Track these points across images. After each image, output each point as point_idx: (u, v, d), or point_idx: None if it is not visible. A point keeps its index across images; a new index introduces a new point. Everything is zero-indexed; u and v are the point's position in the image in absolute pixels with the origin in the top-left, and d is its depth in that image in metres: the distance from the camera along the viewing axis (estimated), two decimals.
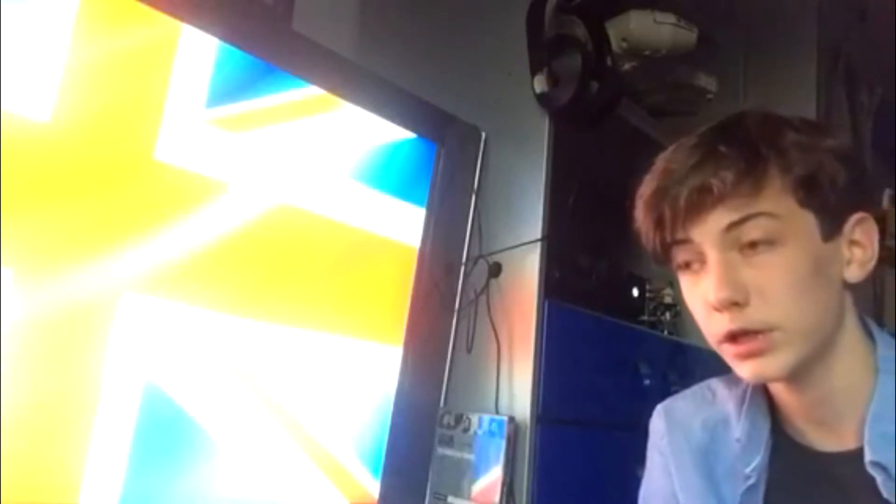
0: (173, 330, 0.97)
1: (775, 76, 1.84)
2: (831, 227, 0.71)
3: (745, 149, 0.71)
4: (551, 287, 1.29)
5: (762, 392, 0.80)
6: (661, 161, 0.76)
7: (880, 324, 0.78)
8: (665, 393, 1.48)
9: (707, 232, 0.71)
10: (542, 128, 1.31)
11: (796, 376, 0.73)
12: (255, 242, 1.07)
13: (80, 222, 0.89)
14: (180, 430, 0.98)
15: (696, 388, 0.89)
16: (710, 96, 1.66)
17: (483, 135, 1.37)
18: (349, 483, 1.18)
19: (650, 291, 1.69)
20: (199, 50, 1.00)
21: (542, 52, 1.28)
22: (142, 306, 0.94)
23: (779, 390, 0.78)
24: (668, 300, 1.71)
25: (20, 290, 0.83)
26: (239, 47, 1.04)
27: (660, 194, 0.73)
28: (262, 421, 1.07)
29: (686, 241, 0.72)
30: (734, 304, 0.69)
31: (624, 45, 1.43)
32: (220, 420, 1.02)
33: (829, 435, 0.75)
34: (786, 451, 0.78)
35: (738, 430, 0.80)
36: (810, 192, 0.70)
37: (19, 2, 0.82)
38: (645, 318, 1.66)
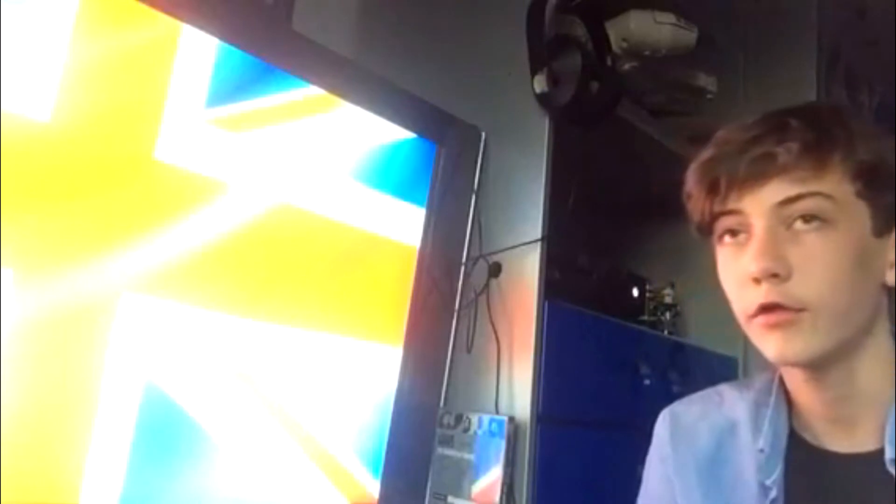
0: (173, 330, 0.97)
1: (775, 76, 1.83)
2: (883, 223, 0.71)
3: (816, 125, 0.70)
4: (551, 287, 1.29)
5: (783, 398, 0.79)
6: (720, 133, 0.75)
7: None
8: (665, 393, 1.49)
9: (760, 202, 0.70)
10: (542, 128, 1.31)
11: (818, 368, 0.72)
12: (255, 242, 1.07)
13: (81, 222, 0.89)
14: (180, 431, 0.98)
15: (704, 393, 0.88)
16: (710, 96, 1.66)
17: (483, 135, 1.37)
18: (349, 483, 1.18)
19: (650, 291, 1.69)
20: (199, 50, 1.00)
21: (542, 52, 1.28)
22: (142, 306, 0.94)
23: (800, 389, 0.77)
24: (668, 300, 1.71)
25: (20, 290, 0.83)
26: (239, 47, 1.04)
27: (717, 161, 0.72)
28: (263, 421, 1.07)
29: (736, 212, 0.71)
30: (773, 276, 0.68)
31: (624, 45, 1.43)
32: (220, 420, 1.02)
33: (846, 436, 0.75)
34: (801, 454, 0.77)
35: (760, 439, 0.79)
36: (870, 182, 0.69)
37: (19, 2, 0.82)
38: (645, 318, 1.66)
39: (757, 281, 0.69)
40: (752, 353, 1.73)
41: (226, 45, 1.02)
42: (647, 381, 1.48)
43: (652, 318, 1.67)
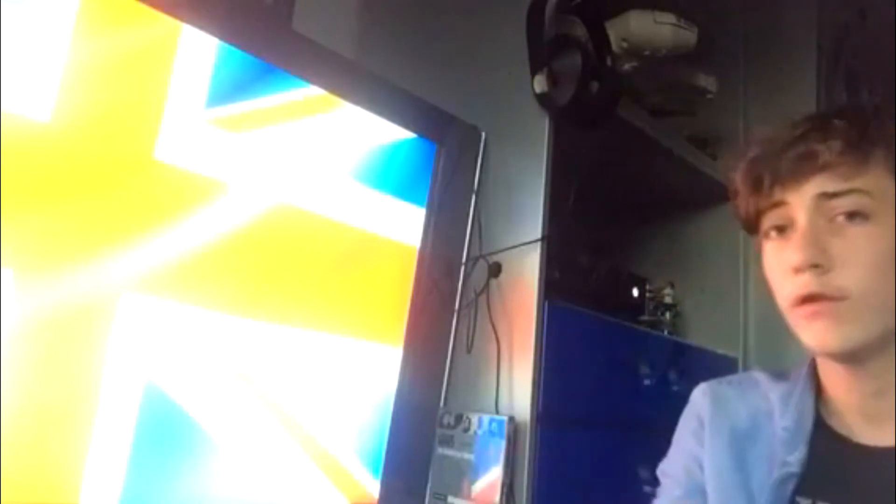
0: (173, 330, 0.97)
1: (775, 76, 1.83)
2: None
3: (858, 124, 0.72)
4: (551, 287, 1.29)
5: (812, 385, 0.81)
6: (761, 132, 0.77)
7: None
8: (665, 393, 1.49)
9: (802, 196, 0.72)
10: (542, 128, 1.31)
11: (857, 360, 0.73)
12: (256, 242, 1.07)
13: (81, 222, 0.89)
14: (180, 431, 0.98)
15: (740, 377, 0.90)
16: (710, 96, 1.66)
17: (483, 135, 1.37)
18: (349, 483, 1.18)
19: (650, 291, 1.69)
20: (199, 50, 1.00)
21: (542, 52, 1.28)
22: (142, 306, 0.94)
23: (834, 381, 0.78)
24: (668, 300, 1.72)
25: (20, 290, 0.83)
26: (239, 47, 1.04)
27: (761, 159, 0.75)
28: (262, 421, 1.07)
29: (780, 205, 0.74)
30: (815, 266, 0.70)
31: (624, 45, 1.43)
32: (220, 420, 1.02)
33: (877, 430, 0.75)
34: (826, 442, 0.78)
35: (785, 418, 0.80)
36: None
37: (19, 2, 0.82)
38: (645, 318, 1.66)
39: (798, 271, 0.71)
40: (752, 353, 1.74)
41: (226, 45, 1.02)
42: (646, 382, 1.48)
43: (652, 318, 1.67)
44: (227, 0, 1.06)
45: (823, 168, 0.71)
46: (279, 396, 1.09)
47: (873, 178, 0.71)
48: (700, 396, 0.89)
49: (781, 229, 0.75)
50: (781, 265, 0.74)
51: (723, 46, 1.77)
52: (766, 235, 0.77)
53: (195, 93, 0.99)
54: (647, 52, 1.45)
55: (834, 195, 0.71)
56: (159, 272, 0.96)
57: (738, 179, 0.78)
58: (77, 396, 0.89)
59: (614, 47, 1.34)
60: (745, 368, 1.73)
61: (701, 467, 0.85)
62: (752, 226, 0.78)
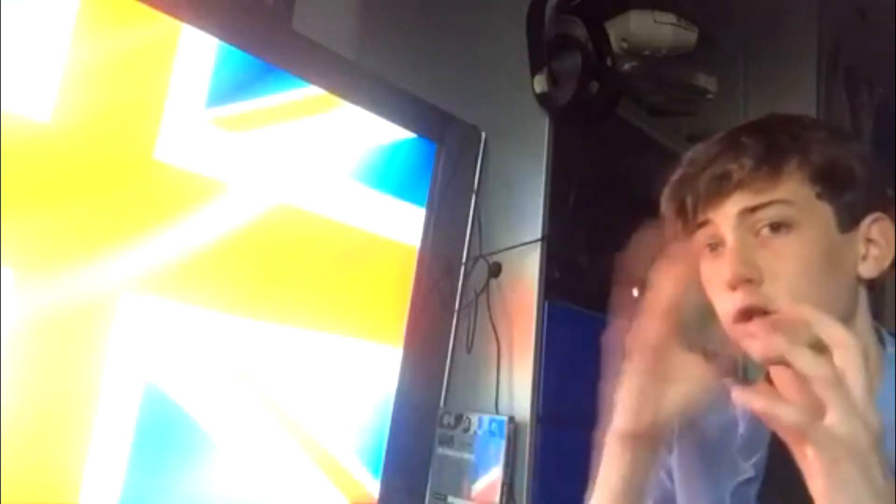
0: (173, 330, 0.97)
1: (775, 76, 1.83)
2: (847, 221, 0.73)
3: (766, 138, 0.74)
4: (551, 287, 1.29)
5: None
6: (688, 154, 0.79)
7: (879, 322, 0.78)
8: None
9: (724, 215, 0.73)
10: (542, 128, 1.31)
11: None
12: (256, 242, 1.07)
13: (81, 222, 0.89)
14: (180, 430, 0.98)
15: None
16: (710, 96, 1.66)
17: (483, 135, 1.37)
18: (349, 483, 1.18)
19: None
20: (199, 50, 1.00)
21: (542, 52, 1.28)
22: (142, 306, 0.94)
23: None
24: None
25: (20, 290, 0.83)
26: (239, 47, 1.04)
27: (682, 182, 0.77)
28: (262, 421, 1.07)
29: (706, 224, 0.75)
30: (748, 282, 0.71)
31: (624, 45, 1.43)
32: (220, 420, 1.02)
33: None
34: (785, 445, 0.78)
35: (742, 425, 0.81)
36: (827, 184, 0.72)
37: (19, 2, 0.82)
38: None
39: (733, 287, 0.72)
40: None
41: (226, 45, 1.02)
42: None
43: None
44: (227, 0, 1.06)
45: (738, 186, 0.73)
46: (279, 396, 1.09)
47: (791, 188, 0.72)
48: None
49: (713, 247, 0.76)
50: (717, 282, 0.75)
51: (723, 46, 1.77)
52: (701, 254, 0.78)
53: (195, 93, 0.99)
54: (647, 52, 1.45)
55: (754, 209, 0.72)
56: (159, 272, 0.96)
57: (663, 204, 0.80)
58: (77, 396, 0.89)
59: (614, 47, 1.34)
60: (745, 368, 1.72)
61: (670, 476, 0.86)
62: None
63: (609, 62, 1.27)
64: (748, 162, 0.72)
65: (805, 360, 0.59)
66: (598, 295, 1.49)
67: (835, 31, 1.90)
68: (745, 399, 0.60)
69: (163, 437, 0.96)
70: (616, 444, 0.77)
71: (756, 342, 0.72)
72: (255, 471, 1.06)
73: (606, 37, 1.28)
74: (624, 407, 0.77)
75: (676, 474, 0.85)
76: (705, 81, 1.63)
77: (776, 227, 0.72)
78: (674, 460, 0.86)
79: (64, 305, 0.87)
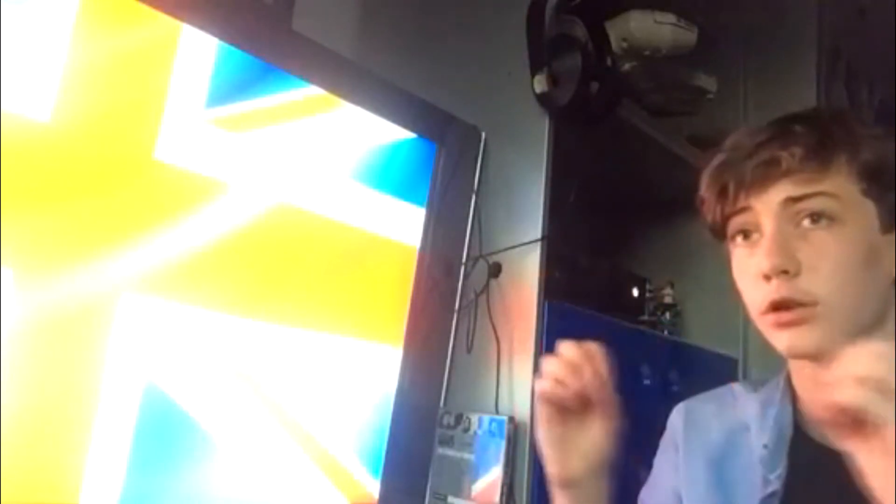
0: (173, 330, 0.97)
1: (775, 76, 1.83)
2: (891, 221, 0.73)
3: (819, 129, 0.73)
4: (551, 287, 1.29)
5: (789, 394, 0.80)
6: (729, 139, 0.78)
7: None
8: (665, 393, 1.49)
9: (767, 202, 0.73)
10: (542, 128, 1.31)
11: (828, 359, 0.73)
12: (256, 242, 1.07)
13: (81, 222, 0.89)
14: (180, 431, 0.98)
15: (719, 391, 0.89)
16: (710, 96, 1.66)
17: (483, 135, 1.37)
18: (349, 483, 1.18)
19: (650, 291, 1.69)
20: (199, 50, 1.00)
21: (542, 52, 1.28)
22: (142, 306, 0.94)
23: (808, 385, 0.77)
24: (668, 300, 1.71)
25: (20, 290, 0.83)
26: (239, 47, 1.04)
27: (725, 166, 0.76)
28: (262, 421, 1.07)
29: (746, 210, 0.74)
30: (783, 273, 0.70)
31: (624, 45, 1.43)
32: (220, 420, 1.02)
33: None
34: (807, 452, 0.77)
35: (764, 436, 0.80)
36: (874, 182, 0.72)
37: (19, 2, 0.82)
38: (645, 318, 1.66)
39: (768, 278, 0.71)
40: (751, 353, 1.74)
41: (226, 45, 1.02)
42: (646, 381, 1.48)
43: (652, 318, 1.67)
44: (227, 0, 1.06)
45: (786, 174, 0.72)
46: (279, 396, 1.09)
47: (836, 182, 0.71)
48: (675, 418, 0.90)
49: (747, 234, 0.75)
50: (750, 272, 0.74)
51: (723, 46, 1.77)
52: (734, 241, 0.77)
53: (195, 93, 0.99)
54: (647, 52, 1.45)
55: (799, 199, 0.71)
56: (159, 272, 0.96)
57: (704, 186, 0.79)
58: (77, 397, 0.89)
59: (614, 47, 1.34)
60: (745, 368, 1.73)
61: (679, 499, 0.85)
62: (718, 232, 0.79)
63: (609, 62, 1.27)
64: (798, 151, 0.71)
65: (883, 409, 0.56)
66: (598, 295, 1.50)
67: (835, 30, 1.90)
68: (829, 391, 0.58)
69: (163, 437, 0.96)
70: (555, 491, 0.80)
71: (784, 336, 0.72)
72: (255, 471, 1.06)
73: (606, 37, 1.28)
74: (548, 458, 0.79)
75: (685, 493, 0.84)
76: (705, 81, 1.64)
77: (817, 218, 0.71)
78: (682, 480, 0.85)
79: (64, 305, 0.87)
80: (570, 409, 0.78)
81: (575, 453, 0.78)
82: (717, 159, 0.77)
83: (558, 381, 0.76)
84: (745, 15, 1.84)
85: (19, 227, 0.83)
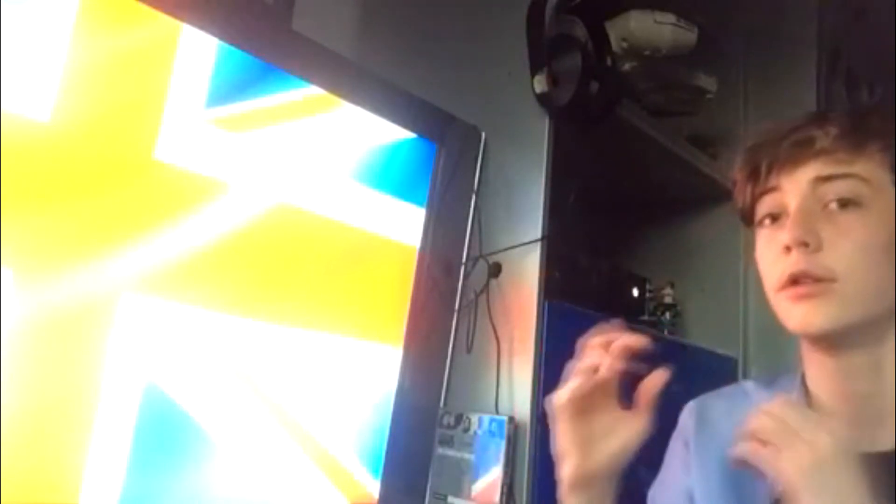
0: (173, 330, 0.97)
1: (775, 76, 1.83)
2: None
3: (855, 114, 0.74)
4: (551, 287, 1.29)
5: (803, 394, 0.80)
6: (766, 124, 0.79)
7: None
8: (665, 393, 1.48)
9: (796, 181, 0.73)
10: (542, 128, 1.31)
11: (842, 350, 0.73)
12: (255, 242, 1.07)
13: (80, 222, 0.89)
14: (180, 431, 0.98)
15: (730, 389, 0.90)
16: (710, 96, 1.66)
17: (483, 135, 1.37)
18: (349, 483, 1.18)
19: (650, 291, 1.69)
20: (199, 50, 1.00)
21: (542, 52, 1.28)
22: (142, 306, 0.94)
23: (824, 381, 0.77)
24: (668, 300, 1.71)
25: (20, 290, 0.83)
26: (239, 47, 1.04)
27: (759, 148, 0.77)
28: (262, 421, 1.07)
29: (774, 190, 0.75)
30: (804, 245, 0.71)
31: (624, 45, 1.43)
32: (220, 420, 1.02)
33: (868, 435, 0.74)
34: None
35: None
36: None
37: (19, 2, 0.82)
38: (645, 318, 1.66)
39: (788, 250, 0.72)
40: (751, 353, 1.74)
41: (226, 45, 1.02)
42: None
43: (652, 319, 1.67)
44: (227, 0, 1.06)
45: (820, 153, 0.72)
46: (279, 396, 1.09)
47: (870, 168, 0.72)
48: (686, 417, 0.89)
49: (775, 217, 0.76)
50: (772, 249, 0.75)
51: (723, 46, 1.77)
52: (761, 224, 0.78)
53: (195, 93, 0.99)
54: (647, 52, 1.45)
55: (829, 178, 0.72)
56: (159, 272, 0.96)
57: (736, 168, 0.79)
58: (77, 397, 0.89)
59: (614, 47, 1.34)
60: (745, 368, 1.72)
61: (691, 498, 0.84)
62: (747, 215, 0.79)
63: (609, 62, 1.27)
64: (833, 130, 0.72)
65: None
66: (598, 295, 1.50)
67: (835, 31, 1.90)
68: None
69: (163, 437, 0.96)
70: (567, 492, 0.78)
71: (798, 310, 0.72)
72: (255, 471, 1.06)
73: (606, 37, 1.28)
74: (564, 459, 0.78)
75: (697, 492, 0.84)
76: (705, 81, 1.64)
77: (844, 203, 0.72)
78: (695, 479, 0.85)
79: (64, 305, 0.87)
80: (603, 407, 0.78)
81: (600, 454, 0.77)
82: (751, 141, 0.78)
83: (591, 369, 0.78)
84: (745, 15, 1.84)
85: (19, 227, 0.83)
